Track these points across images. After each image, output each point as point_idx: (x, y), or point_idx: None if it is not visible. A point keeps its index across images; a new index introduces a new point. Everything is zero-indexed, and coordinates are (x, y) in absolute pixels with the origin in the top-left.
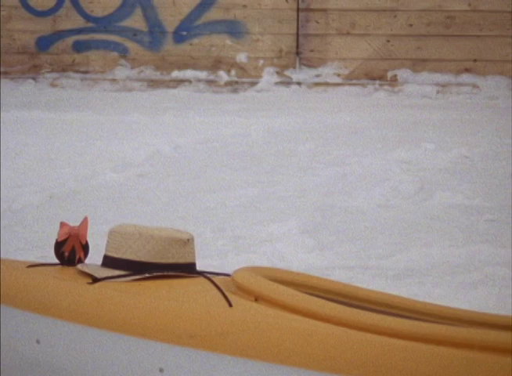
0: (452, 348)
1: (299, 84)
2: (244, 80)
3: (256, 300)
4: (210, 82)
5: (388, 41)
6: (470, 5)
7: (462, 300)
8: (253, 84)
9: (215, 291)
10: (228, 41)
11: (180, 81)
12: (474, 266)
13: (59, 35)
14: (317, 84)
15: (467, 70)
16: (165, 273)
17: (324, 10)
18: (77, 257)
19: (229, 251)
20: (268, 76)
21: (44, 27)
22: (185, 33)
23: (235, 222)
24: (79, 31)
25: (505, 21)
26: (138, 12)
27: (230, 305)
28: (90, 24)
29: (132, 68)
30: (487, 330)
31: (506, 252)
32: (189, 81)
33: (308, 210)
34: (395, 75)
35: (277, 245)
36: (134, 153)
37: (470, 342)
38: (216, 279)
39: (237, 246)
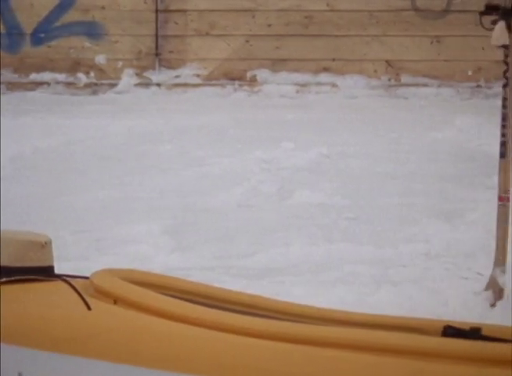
0: (312, 346)
1: (158, 85)
2: (103, 82)
3: (115, 302)
4: (68, 84)
5: (247, 41)
6: (328, 4)
7: (322, 298)
8: (112, 85)
9: (73, 294)
10: (86, 43)
11: (38, 84)
12: (334, 264)
13: None
14: (176, 85)
15: (326, 70)
16: (22, 277)
17: (183, 11)
18: None
19: (90, 253)
20: (128, 77)
21: None
22: (42, 35)
23: (95, 224)
24: None
25: (363, 20)
26: None
27: (89, 308)
28: None
29: None
30: (348, 329)
31: (366, 250)
32: (48, 84)
33: (169, 211)
34: (254, 75)
35: (138, 247)
36: None
37: (330, 341)
38: (75, 282)
39: (98, 248)
